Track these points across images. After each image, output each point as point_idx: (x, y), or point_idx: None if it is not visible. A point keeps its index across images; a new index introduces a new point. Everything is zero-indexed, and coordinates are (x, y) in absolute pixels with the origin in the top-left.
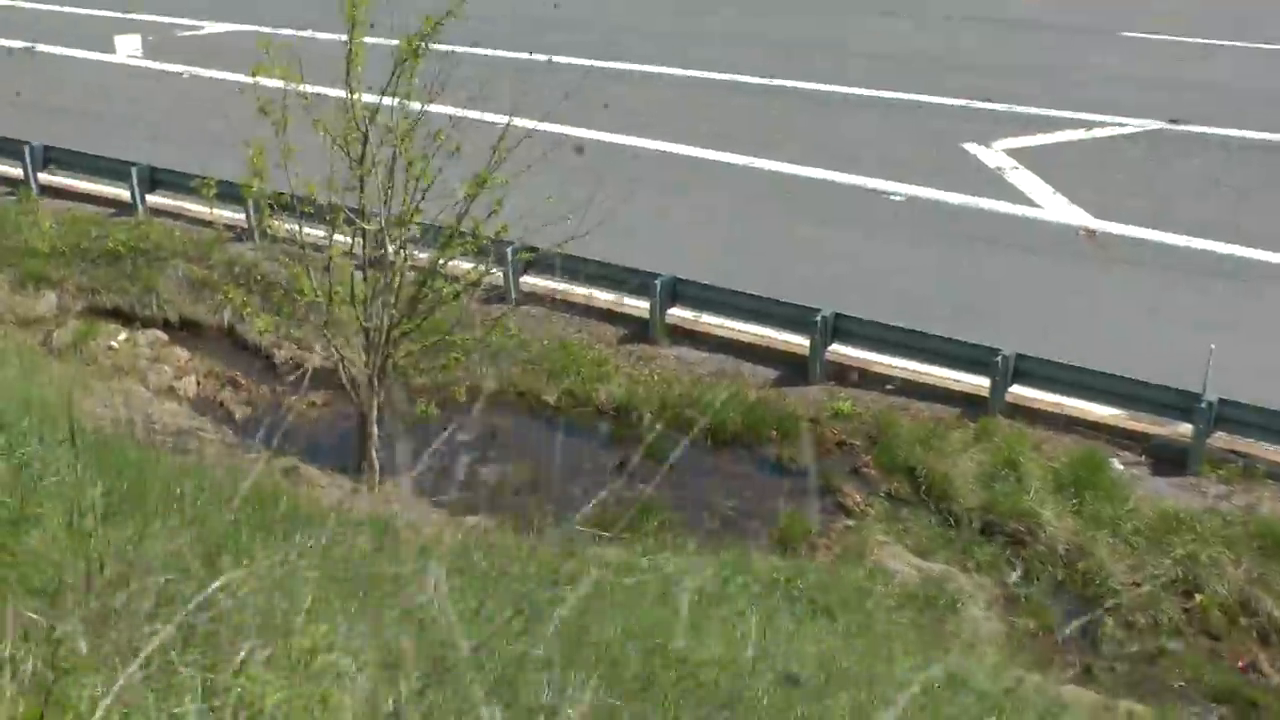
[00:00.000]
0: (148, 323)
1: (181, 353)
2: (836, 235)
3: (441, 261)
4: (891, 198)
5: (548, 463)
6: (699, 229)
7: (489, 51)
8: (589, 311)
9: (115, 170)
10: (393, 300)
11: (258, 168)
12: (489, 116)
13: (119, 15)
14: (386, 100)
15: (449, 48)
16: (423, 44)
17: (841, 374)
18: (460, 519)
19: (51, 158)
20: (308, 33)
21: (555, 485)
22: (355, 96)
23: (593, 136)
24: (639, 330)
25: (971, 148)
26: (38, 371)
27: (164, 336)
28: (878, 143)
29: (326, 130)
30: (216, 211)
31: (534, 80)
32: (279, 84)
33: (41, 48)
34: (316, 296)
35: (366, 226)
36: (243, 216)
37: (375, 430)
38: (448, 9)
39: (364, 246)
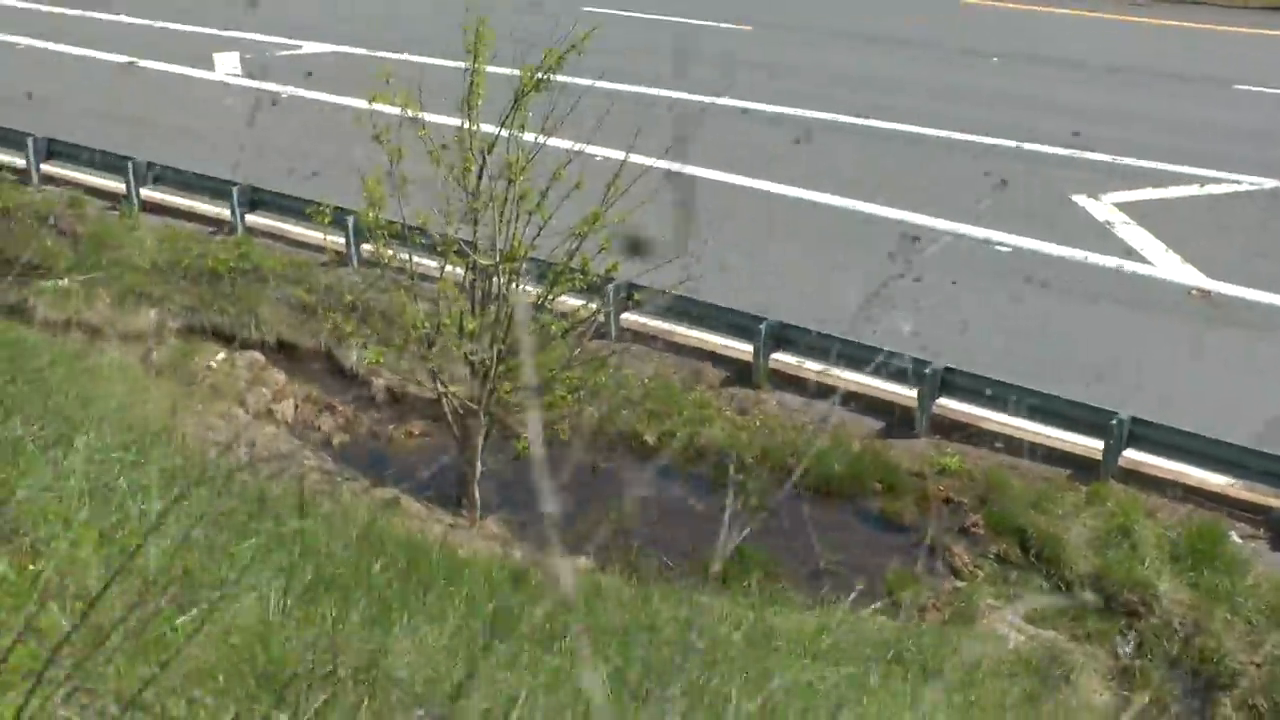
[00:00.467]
0: (246, 344)
1: (279, 376)
2: (942, 285)
3: (550, 298)
4: (998, 248)
5: (648, 506)
6: (795, 271)
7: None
8: (691, 352)
9: (216, 189)
10: (502, 335)
11: (376, 196)
12: (612, 152)
13: (218, 32)
14: (504, 132)
15: (579, 80)
16: (545, 76)
17: (949, 428)
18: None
19: (154, 174)
20: (404, 55)
21: (657, 529)
22: (474, 127)
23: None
24: (741, 374)
25: (1080, 199)
26: (140, 392)
27: (261, 359)
28: (981, 190)
29: (439, 161)
30: (316, 235)
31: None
32: (394, 110)
33: (143, 63)
34: (425, 328)
35: (481, 260)
36: (343, 241)
37: (479, 465)
38: (570, 44)
39: (475, 279)
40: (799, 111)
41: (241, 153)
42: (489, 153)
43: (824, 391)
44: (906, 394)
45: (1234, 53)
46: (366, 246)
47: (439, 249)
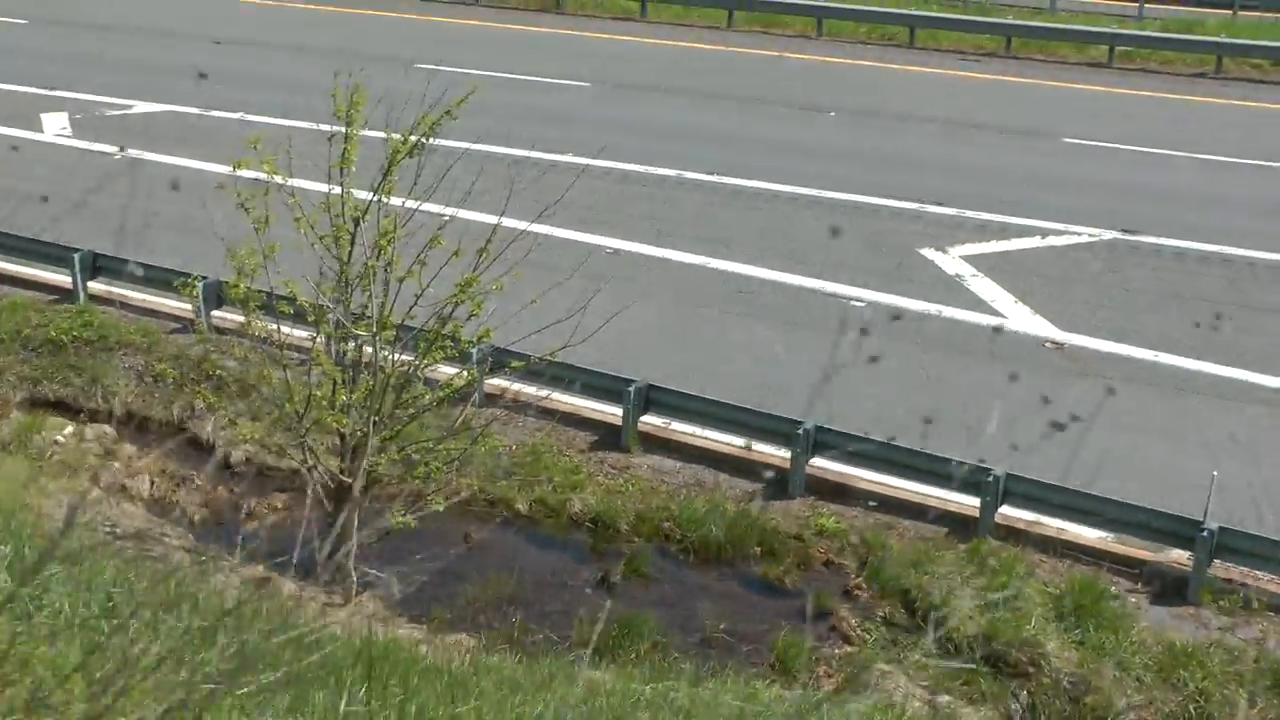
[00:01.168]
0: (95, 416)
1: (131, 449)
2: (800, 340)
3: (423, 366)
4: (853, 304)
5: (524, 576)
6: (650, 330)
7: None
8: (555, 415)
9: (55, 255)
10: (378, 406)
11: (248, 267)
12: (486, 217)
13: (43, 91)
14: (377, 198)
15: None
16: (419, 141)
17: (822, 488)
18: (442, 636)
19: None
20: (239, 115)
21: (534, 600)
22: (345, 193)
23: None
24: (609, 437)
25: (928, 253)
26: None
27: (111, 432)
28: (831, 244)
29: (305, 228)
30: (159, 301)
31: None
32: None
33: None
34: (293, 402)
35: (356, 330)
36: (189, 307)
37: (355, 540)
38: (448, 107)
39: (345, 350)
40: (646, 169)
41: (77, 217)
42: (362, 220)
43: (694, 453)
44: (779, 454)
45: (1061, 107)
46: (218, 313)
47: (310, 319)
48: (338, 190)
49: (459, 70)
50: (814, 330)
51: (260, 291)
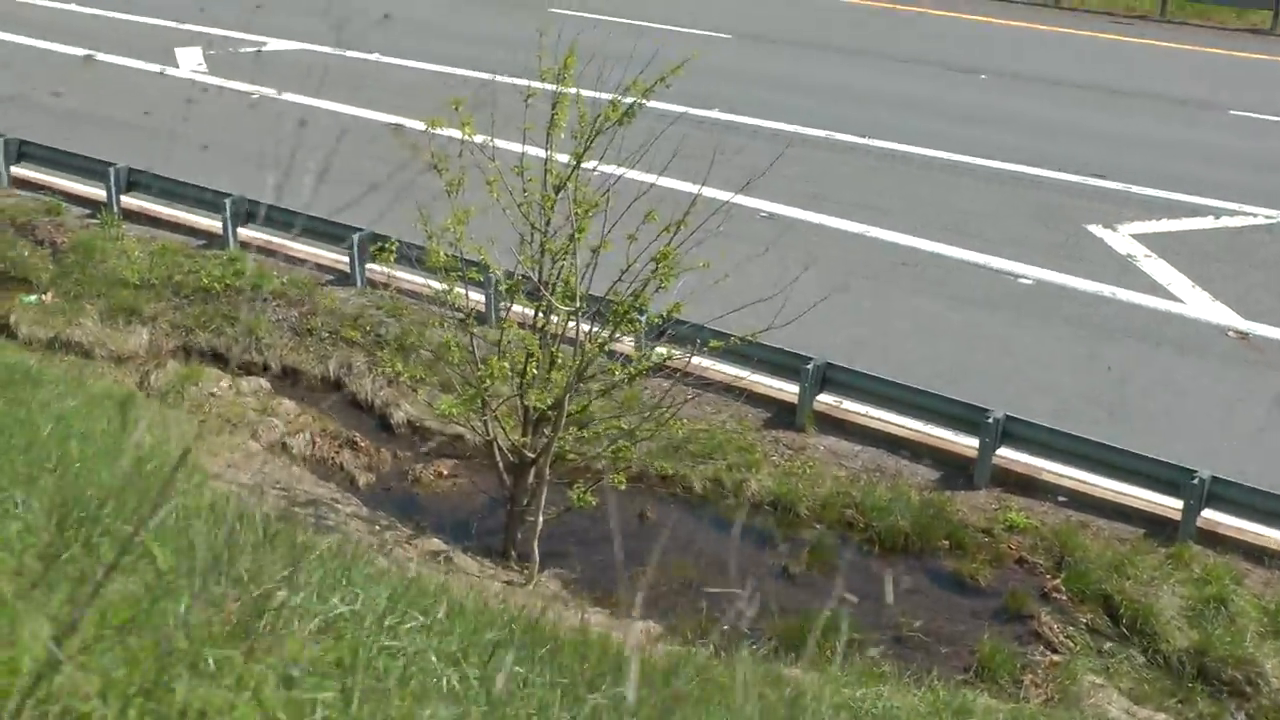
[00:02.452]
0: (246, 368)
1: (289, 405)
2: (967, 318)
3: (611, 341)
4: (1020, 280)
5: (703, 559)
6: (811, 301)
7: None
8: (728, 390)
9: (207, 200)
10: (573, 380)
11: (458, 236)
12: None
13: (177, 25)
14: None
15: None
16: (634, 105)
17: (1006, 480)
18: (626, 621)
19: (136, 181)
20: (374, 56)
21: (715, 586)
22: (550, 160)
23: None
24: (783, 415)
25: (1096, 230)
26: (158, 424)
27: (267, 385)
28: (993, 217)
29: (499, 194)
30: (311, 250)
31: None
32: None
33: (101, 57)
34: (486, 372)
35: (559, 304)
36: (346, 260)
37: (540, 518)
38: (673, 67)
39: (543, 322)
40: (795, 128)
41: (223, 158)
42: (566, 186)
43: (872, 436)
44: (965, 443)
45: (1222, 76)
46: (374, 267)
47: (503, 287)
48: (525, 150)
49: (596, 16)
50: (982, 308)
51: (457, 259)
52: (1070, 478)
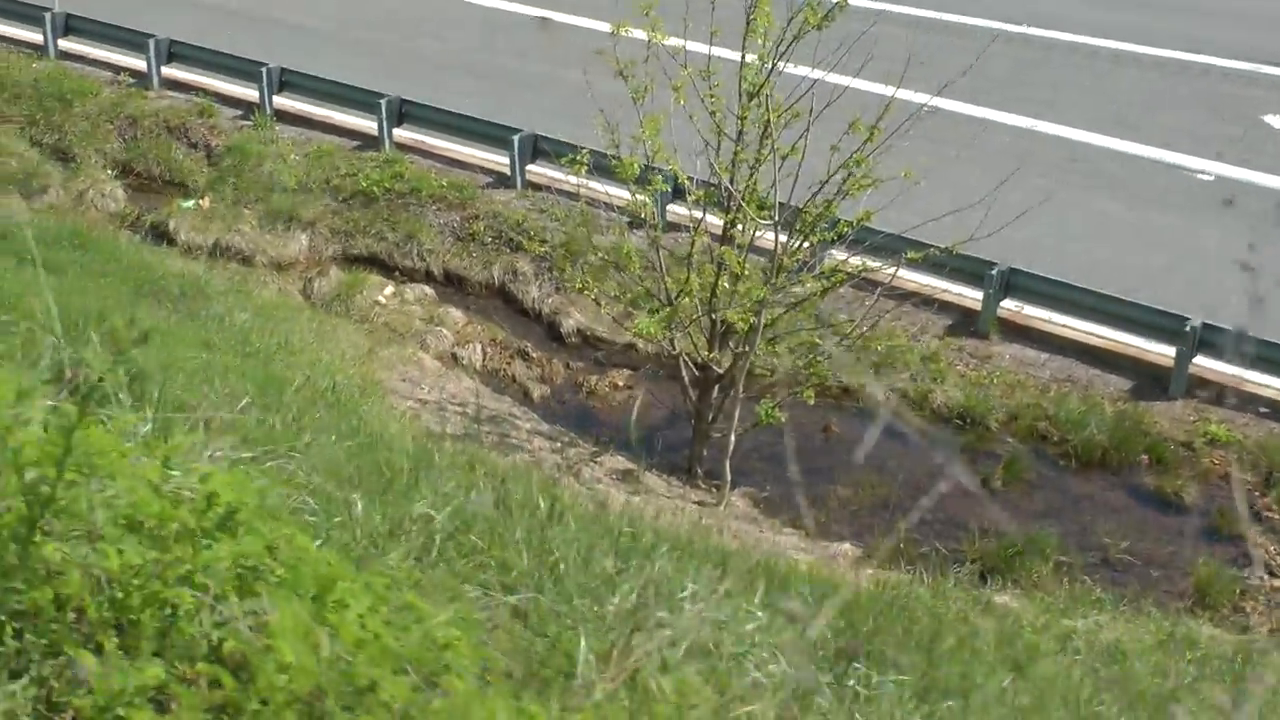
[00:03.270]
0: (408, 274)
1: (457, 314)
2: (1149, 217)
3: (807, 249)
4: (1199, 176)
5: (894, 476)
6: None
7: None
8: (906, 296)
9: (360, 100)
10: (763, 295)
11: (654, 148)
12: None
13: None
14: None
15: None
16: (831, 11)
17: (1203, 390)
18: (824, 544)
19: (288, 81)
20: None
21: (910, 505)
22: (760, 62)
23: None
24: (965, 322)
25: (1274, 120)
26: (327, 337)
27: (431, 292)
28: (1163, 108)
29: (682, 96)
30: (468, 152)
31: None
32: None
33: None
34: (682, 287)
35: (757, 216)
36: (507, 161)
37: (732, 438)
38: None
39: (733, 230)
40: (953, 17)
41: (371, 57)
42: (761, 92)
43: (1060, 344)
44: (1160, 351)
45: None
46: (533, 167)
47: (692, 197)
48: (711, 52)
49: None
50: (1162, 206)
51: (647, 166)
52: (1272, 387)
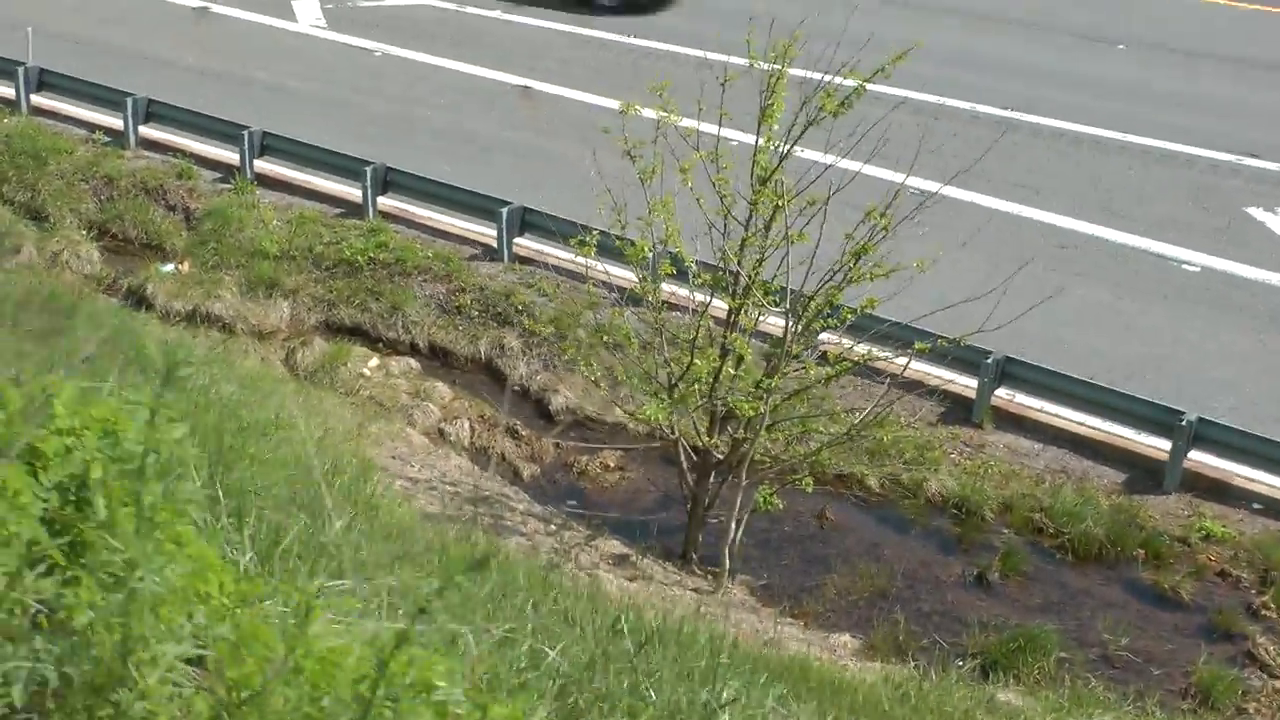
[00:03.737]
0: (392, 346)
1: (443, 389)
2: (1135, 306)
3: (810, 336)
4: (1185, 267)
5: (890, 566)
6: (971, 287)
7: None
8: (906, 385)
9: (345, 167)
10: (771, 382)
11: (669, 232)
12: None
13: None
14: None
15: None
16: (853, 95)
17: (1196, 484)
18: (823, 636)
19: (270, 145)
20: (496, 13)
21: (908, 596)
22: (770, 146)
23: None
24: (958, 410)
25: (1258, 214)
26: (313, 410)
27: (416, 365)
28: (1149, 198)
29: (689, 179)
30: (452, 222)
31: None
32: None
33: (216, 8)
34: (691, 372)
35: (767, 304)
36: (494, 234)
37: (734, 527)
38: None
39: (740, 319)
40: (938, 99)
41: (353, 120)
42: (773, 178)
43: (1053, 434)
44: (1153, 445)
45: None
46: (521, 241)
47: (697, 281)
48: (720, 135)
49: None
50: (1149, 297)
51: (659, 251)
52: (1265, 483)
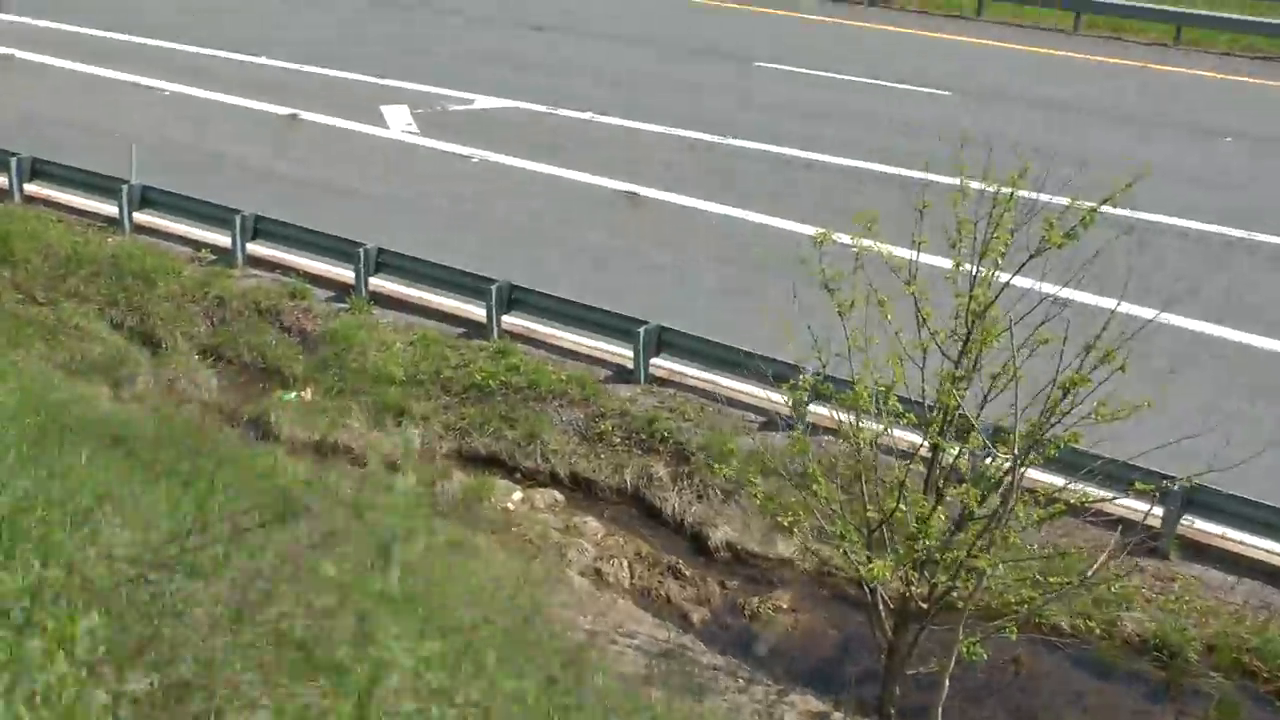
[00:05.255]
0: (530, 475)
1: (593, 524)
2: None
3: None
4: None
5: (1099, 717)
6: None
7: None
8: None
9: (467, 285)
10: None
11: (893, 379)
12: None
13: (377, 80)
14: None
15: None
16: (1076, 228)
17: None
18: None
19: (384, 262)
20: (588, 115)
21: None
22: (979, 287)
23: None
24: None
25: None
26: (473, 556)
27: (560, 498)
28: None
29: (888, 312)
30: (581, 340)
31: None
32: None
33: (305, 115)
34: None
35: (1000, 451)
36: (628, 353)
37: (946, 683)
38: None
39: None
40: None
41: (455, 230)
42: (988, 312)
43: (1246, 565)
44: None
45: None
46: (658, 362)
47: (906, 421)
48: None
49: (801, 69)
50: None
51: (864, 391)
52: None
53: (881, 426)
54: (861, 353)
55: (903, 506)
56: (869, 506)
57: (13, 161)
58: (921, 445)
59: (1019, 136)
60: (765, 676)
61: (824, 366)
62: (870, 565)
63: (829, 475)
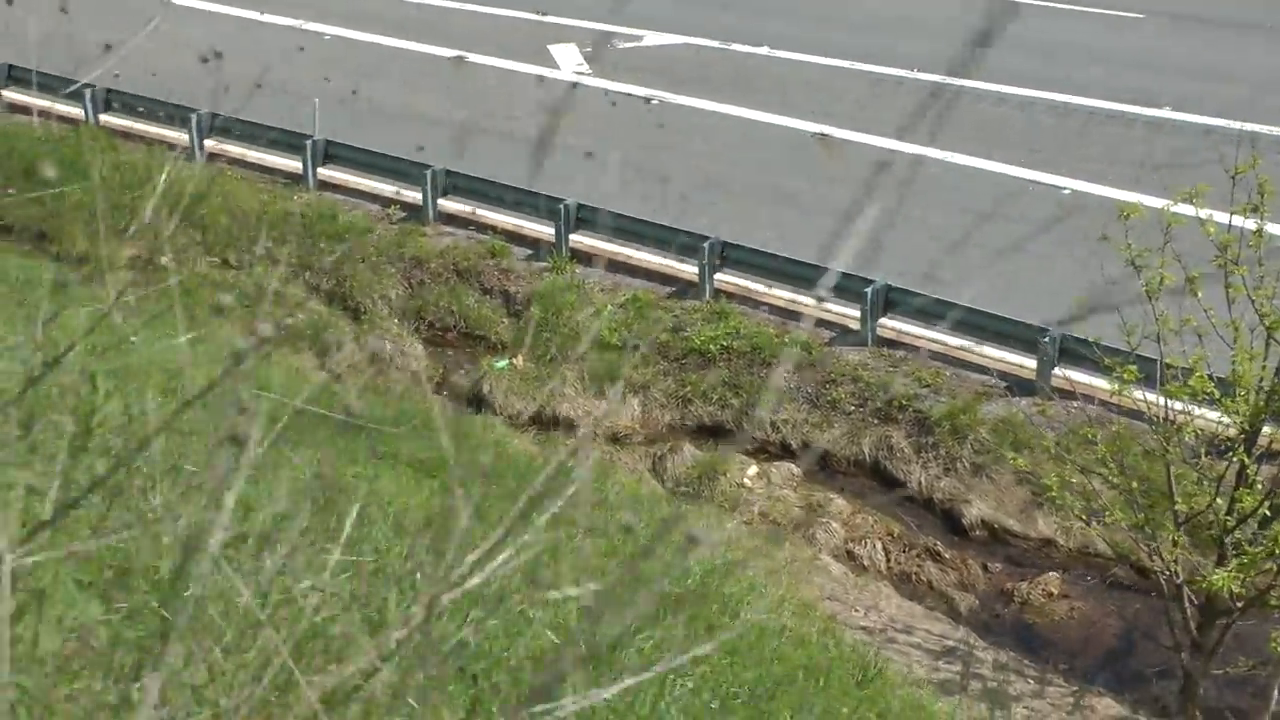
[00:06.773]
0: (760, 447)
1: (838, 501)
2: None
3: None
4: None
5: None
6: None
7: None
8: None
9: (674, 242)
10: None
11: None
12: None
13: (540, 18)
14: None
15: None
16: None
17: None
18: None
19: (584, 219)
20: (764, 50)
21: None
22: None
23: None
24: None
25: None
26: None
27: (798, 472)
28: None
29: (1198, 288)
30: (809, 303)
31: None
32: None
33: (472, 57)
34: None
35: None
36: (856, 313)
37: (1277, 692)
38: None
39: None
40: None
41: (643, 180)
42: None
43: None
44: None
45: None
46: (886, 322)
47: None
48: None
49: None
50: None
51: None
52: None
53: (1219, 416)
54: (1176, 335)
55: (1219, 500)
56: (1178, 499)
57: (193, 118)
58: (1256, 433)
59: None
60: (1055, 675)
61: (1134, 349)
62: (1212, 574)
63: (1116, 458)
